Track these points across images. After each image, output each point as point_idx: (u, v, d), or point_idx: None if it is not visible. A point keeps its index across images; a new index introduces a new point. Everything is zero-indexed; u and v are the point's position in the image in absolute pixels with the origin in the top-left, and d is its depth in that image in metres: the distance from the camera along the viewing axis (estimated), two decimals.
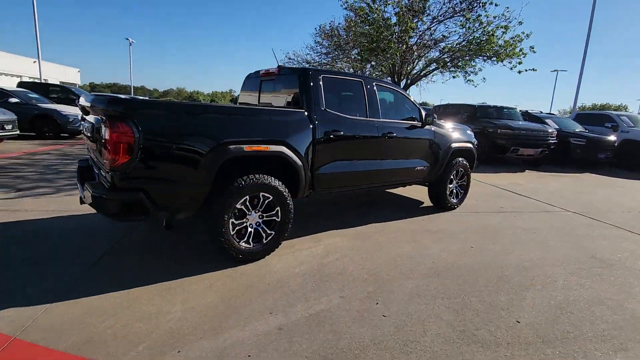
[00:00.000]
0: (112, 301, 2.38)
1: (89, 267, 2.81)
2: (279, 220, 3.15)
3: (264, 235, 3.10)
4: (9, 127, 8.70)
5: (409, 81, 10.83)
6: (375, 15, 8.38)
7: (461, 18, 8.80)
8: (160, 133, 2.52)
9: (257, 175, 2.95)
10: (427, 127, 4.52)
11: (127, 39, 34.00)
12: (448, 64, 10.04)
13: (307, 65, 14.94)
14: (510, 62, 9.27)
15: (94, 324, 2.13)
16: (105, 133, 2.36)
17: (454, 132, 4.99)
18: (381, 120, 4.01)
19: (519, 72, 9.46)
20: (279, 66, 3.85)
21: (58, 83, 28.62)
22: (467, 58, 10.09)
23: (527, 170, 9.39)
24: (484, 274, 3.09)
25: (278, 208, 3.13)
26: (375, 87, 4.03)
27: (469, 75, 10.49)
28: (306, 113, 3.35)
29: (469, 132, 5.34)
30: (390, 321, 2.33)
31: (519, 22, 8.87)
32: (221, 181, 2.84)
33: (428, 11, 8.96)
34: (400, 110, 4.42)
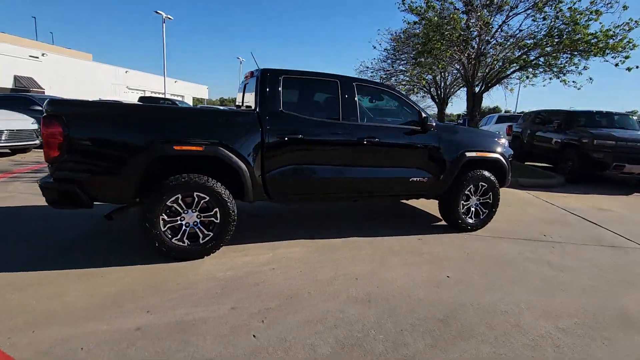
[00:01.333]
0: (35, 278, 2.66)
1: (57, 245, 3.23)
2: (217, 221, 3.11)
3: (201, 235, 3.10)
4: None
5: (483, 86, 9.51)
6: (431, 14, 7.61)
7: (537, 8, 7.30)
8: (89, 131, 2.76)
9: (190, 175, 2.98)
10: (430, 132, 3.90)
11: (238, 58, 38.42)
12: (540, 61, 8.44)
13: (382, 74, 14.55)
14: (615, 57, 7.31)
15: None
16: (42, 130, 2.71)
17: (471, 139, 4.20)
18: (359, 123, 3.63)
19: (628, 69, 7.38)
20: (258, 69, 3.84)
21: (167, 96, 34.08)
22: (565, 55, 8.37)
23: (635, 194, 7.27)
24: (429, 310, 2.49)
25: (216, 209, 3.09)
26: (355, 88, 3.67)
27: (564, 75, 8.66)
28: (257, 114, 3.25)
29: (499, 140, 4.41)
30: (253, 343, 2.06)
31: (624, 7, 6.92)
32: (155, 178, 2.96)
33: (494, 6, 7.71)
34: (392, 113, 3.94)
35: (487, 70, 9.46)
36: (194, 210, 3.06)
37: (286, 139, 3.30)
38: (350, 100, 3.62)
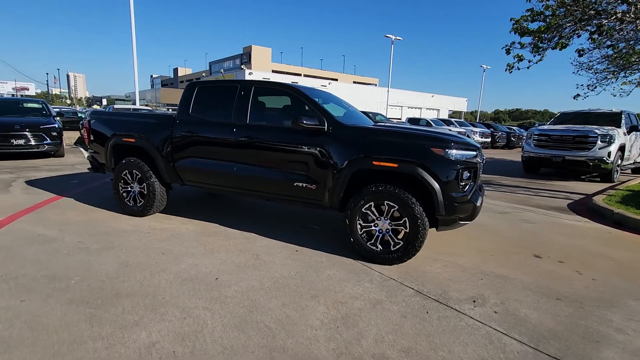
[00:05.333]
0: (69, 203, 4.90)
1: (95, 196, 5.52)
2: (145, 192, 4.38)
3: (139, 200, 4.46)
4: None
5: None
6: None
7: None
8: (97, 127, 4.73)
9: (132, 158, 4.40)
10: (326, 133, 3.44)
11: (482, 66, 35.15)
12: None
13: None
14: None
15: None
16: (84, 126, 4.93)
17: (381, 143, 3.24)
18: (246, 123, 3.81)
19: None
20: None
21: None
22: None
23: None
24: (111, 283, 2.75)
25: (145, 184, 4.36)
26: (252, 90, 3.85)
27: None
28: (173, 118, 4.23)
29: (438, 143, 3.07)
30: (36, 259, 3.24)
31: None
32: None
33: None
34: (288, 113, 3.72)
35: None
36: (136, 182, 4.47)
37: (185, 137, 4.10)
38: (243, 102, 3.88)
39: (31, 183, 6.30)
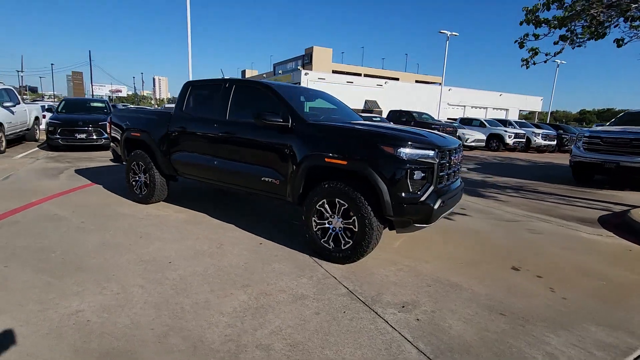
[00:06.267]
0: (95, 189, 5.58)
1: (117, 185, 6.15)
2: (148, 182, 4.83)
3: (143, 189, 4.94)
4: None
5: None
6: None
7: None
8: (115, 121, 5.31)
9: (137, 151, 4.89)
10: (293, 129, 3.51)
11: (555, 61, 31.39)
12: None
13: None
14: None
15: None
16: (108, 121, 5.55)
17: (335, 139, 3.23)
18: (225, 119, 4.01)
19: None
20: None
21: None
22: None
23: None
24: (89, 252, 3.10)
25: (148, 174, 4.82)
26: (232, 88, 4.05)
27: None
28: (169, 114, 4.60)
29: (386, 139, 2.97)
30: (56, 229, 3.79)
31: None
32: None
33: None
34: (259, 109, 3.83)
35: None
36: (142, 173, 4.95)
37: (177, 132, 4.44)
38: (225, 98, 4.09)
39: (79, 171, 7.26)
